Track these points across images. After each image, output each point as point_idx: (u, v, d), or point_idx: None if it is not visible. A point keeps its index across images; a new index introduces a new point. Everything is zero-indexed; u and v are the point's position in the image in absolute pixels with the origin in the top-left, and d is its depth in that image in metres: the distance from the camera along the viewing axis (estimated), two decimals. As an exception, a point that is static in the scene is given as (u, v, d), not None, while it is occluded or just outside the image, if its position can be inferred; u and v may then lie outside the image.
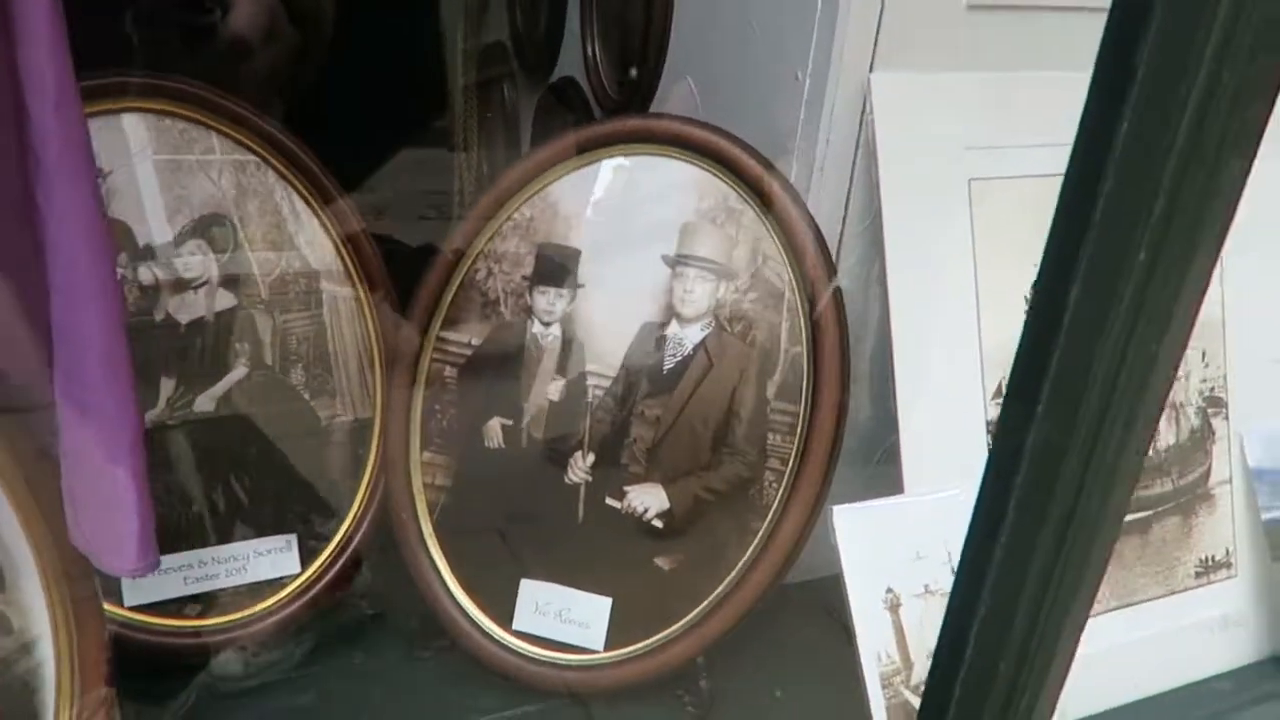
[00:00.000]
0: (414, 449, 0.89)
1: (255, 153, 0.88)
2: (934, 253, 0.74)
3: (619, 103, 0.99)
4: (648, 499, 0.83)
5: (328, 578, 0.94)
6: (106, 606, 0.85)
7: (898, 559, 0.76)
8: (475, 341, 0.87)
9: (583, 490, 0.85)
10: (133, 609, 0.86)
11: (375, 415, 0.94)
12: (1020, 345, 0.41)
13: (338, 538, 0.94)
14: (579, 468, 0.85)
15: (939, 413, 0.77)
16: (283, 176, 0.89)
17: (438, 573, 0.87)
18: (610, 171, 0.82)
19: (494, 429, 0.87)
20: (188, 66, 0.90)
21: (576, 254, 0.83)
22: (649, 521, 0.84)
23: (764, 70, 0.80)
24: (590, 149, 0.82)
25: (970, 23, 0.72)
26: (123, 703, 0.77)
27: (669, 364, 0.81)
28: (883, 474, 0.80)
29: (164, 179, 0.85)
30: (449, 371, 0.88)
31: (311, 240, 0.91)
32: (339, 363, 0.94)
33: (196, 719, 0.86)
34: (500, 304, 0.86)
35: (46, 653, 0.70)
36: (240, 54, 0.96)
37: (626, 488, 0.84)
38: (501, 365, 0.86)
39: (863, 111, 0.74)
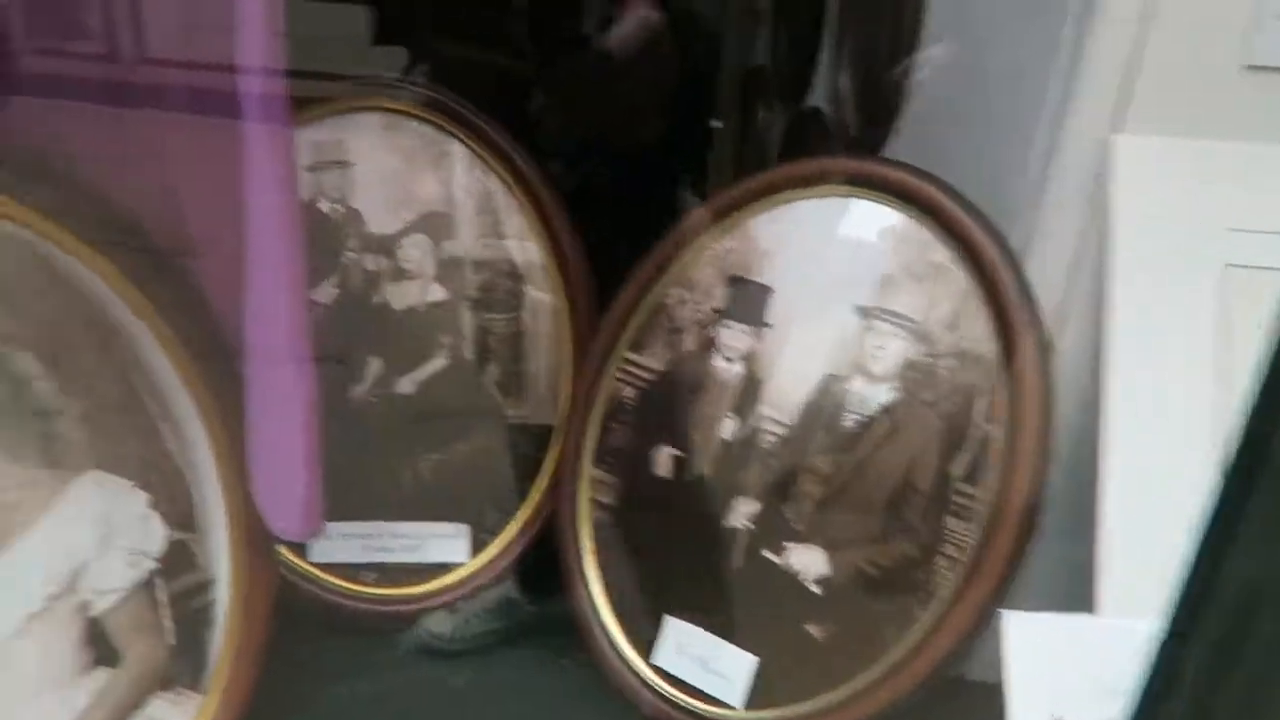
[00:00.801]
0: (586, 463, 0.89)
1: (484, 161, 0.92)
2: (1169, 346, 0.63)
3: (854, 141, 0.94)
4: (807, 560, 0.78)
5: (493, 572, 0.97)
6: (293, 559, 0.93)
7: (1073, 686, 0.66)
8: (658, 366, 0.86)
9: (742, 537, 0.81)
10: (314, 564, 0.93)
11: (557, 423, 0.95)
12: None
13: (507, 535, 0.97)
14: (741, 513, 0.81)
15: (1151, 527, 0.66)
16: (504, 184, 0.92)
17: (588, 590, 0.87)
18: (816, 211, 0.78)
19: (664, 458, 0.85)
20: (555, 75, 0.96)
21: (768, 292, 0.80)
22: (806, 584, 0.78)
23: (995, 121, 0.72)
24: (800, 186, 0.78)
25: (1247, 85, 0.61)
26: (289, 650, 0.84)
27: (848, 421, 0.76)
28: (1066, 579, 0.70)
29: (397, 175, 0.91)
30: (629, 393, 0.87)
31: (522, 245, 0.94)
32: (531, 366, 0.96)
33: (392, 667, 0.93)
34: (687, 333, 0.84)
35: (222, 594, 0.76)
36: (613, 70, 0.97)
37: (787, 544, 0.79)
38: (679, 395, 0.84)
39: (1101, 176, 0.64)
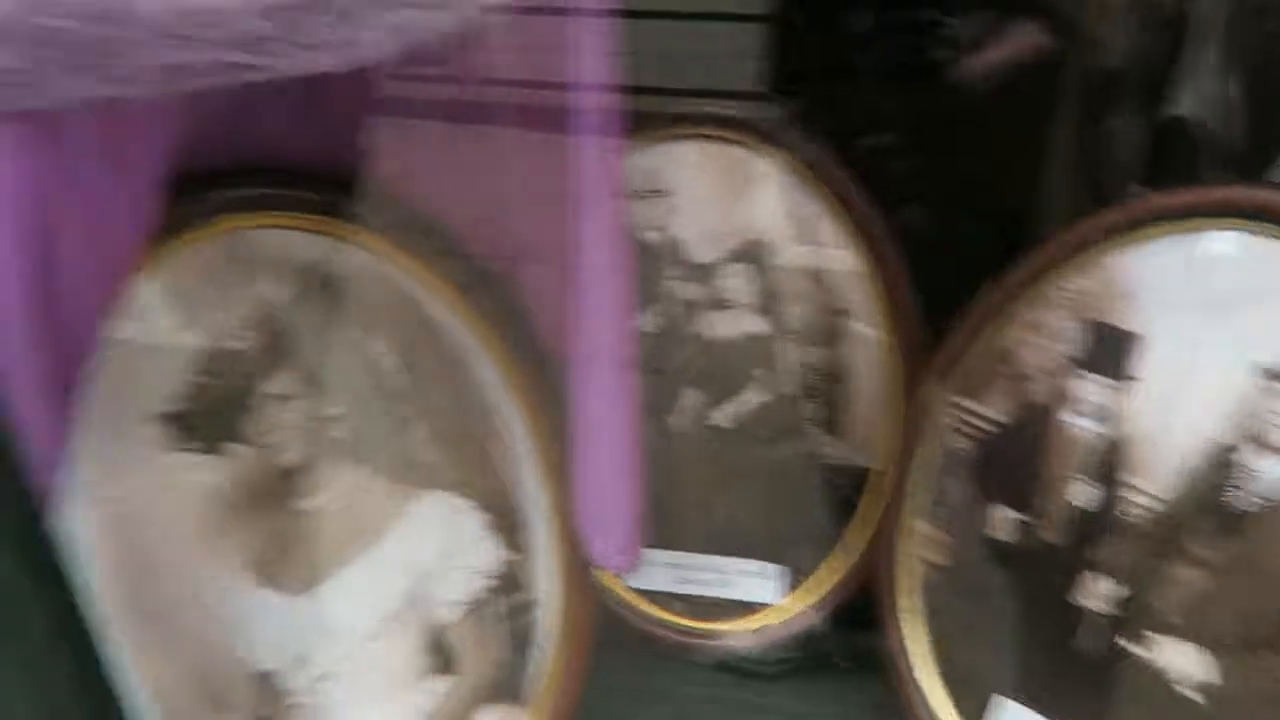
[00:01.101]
0: (910, 515, 0.83)
1: (810, 190, 0.88)
2: None
3: (1232, 161, 0.80)
4: (1181, 660, 0.67)
5: (804, 616, 0.93)
6: (607, 581, 0.95)
7: None
8: (997, 417, 0.77)
9: (1095, 620, 0.71)
10: (627, 589, 0.95)
11: (879, 468, 0.90)
12: None
13: (821, 579, 0.93)
14: (1095, 593, 0.71)
15: None
16: (830, 214, 0.88)
17: (905, 654, 0.80)
18: (1202, 248, 0.66)
19: (1003, 519, 0.77)
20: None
21: (1135, 340, 0.69)
22: (1178, 687, 0.67)
23: None
24: (1173, 217, 0.67)
25: None
26: (601, 672, 0.85)
27: (1238, 501, 0.63)
28: None
29: (718, 203, 0.90)
30: (963, 443, 0.79)
31: (847, 278, 0.89)
32: (853, 405, 0.91)
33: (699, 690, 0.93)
34: (1033, 381, 0.75)
35: (544, 615, 0.79)
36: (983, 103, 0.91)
37: (1152, 635, 0.68)
38: (1023, 452, 0.75)
39: None
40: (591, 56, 0.61)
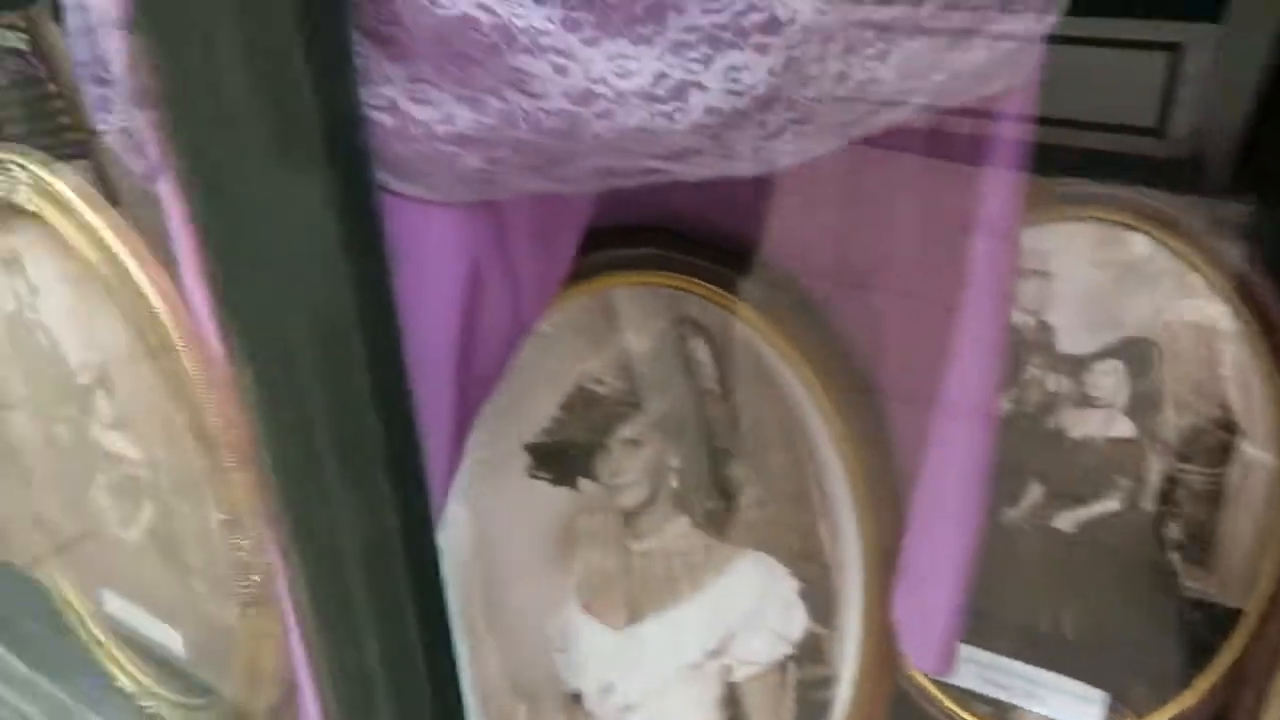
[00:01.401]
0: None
1: (1213, 291, 0.78)
2: None
3: None
4: None
5: (1123, 753, 0.84)
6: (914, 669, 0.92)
7: None
8: None
9: None
10: (930, 679, 0.91)
11: (1249, 609, 0.78)
12: None
13: None
14: None
15: None
16: (1237, 320, 0.77)
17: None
18: None
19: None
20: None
21: None
22: None
23: None
24: None
25: None
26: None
27: None
28: None
29: (1103, 293, 0.82)
30: (1366, 616, 0.67)
31: (1247, 394, 0.78)
32: (1227, 535, 0.80)
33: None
34: None
35: (842, 693, 0.78)
36: None
37: None
38: None
39: None
40: (1017, 87, 0.57)
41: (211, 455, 0.73)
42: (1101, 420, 0.86)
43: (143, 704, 0.95)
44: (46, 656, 1.04)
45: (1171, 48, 0.90)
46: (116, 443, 0.85)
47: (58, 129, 1.17)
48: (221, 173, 0.46)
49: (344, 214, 0.47)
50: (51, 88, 1.17)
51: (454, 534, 0.73)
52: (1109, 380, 0.85)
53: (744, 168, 0.48)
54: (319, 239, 0.47)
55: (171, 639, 0.90)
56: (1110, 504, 0.85)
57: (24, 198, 0.80)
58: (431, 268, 0.52)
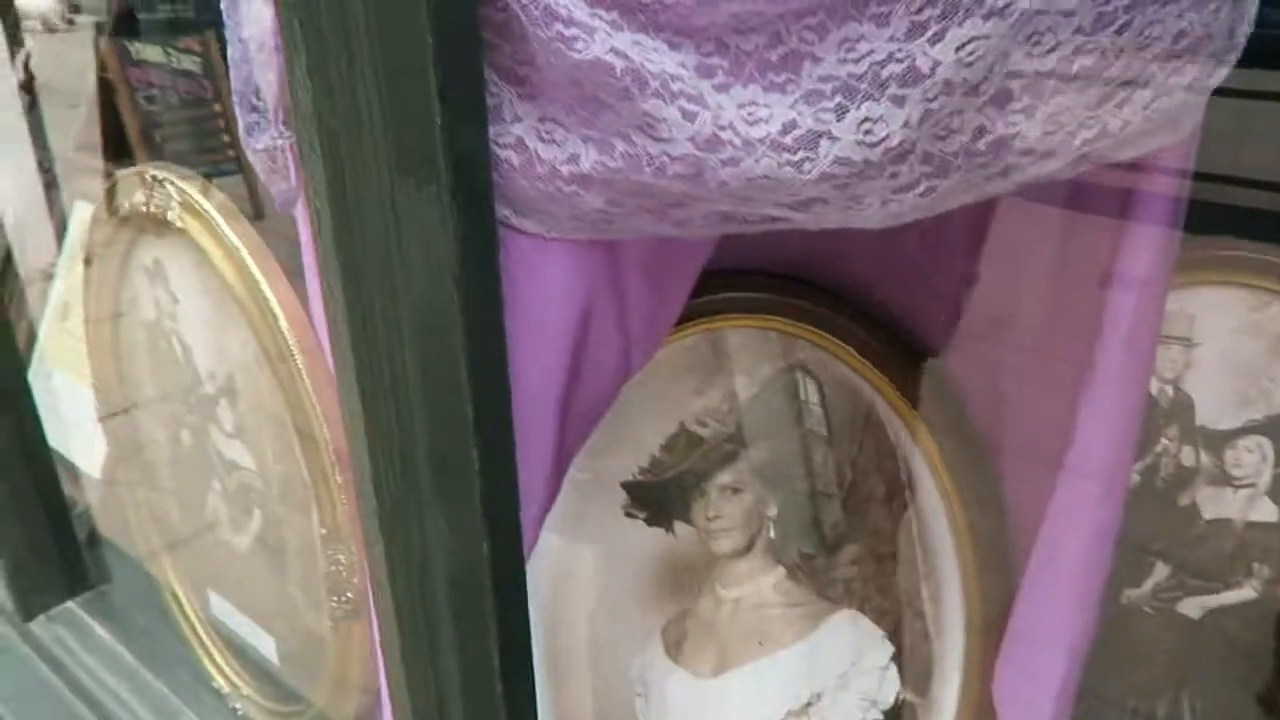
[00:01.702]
0: None
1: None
2: None
3: None
4: None
5: None
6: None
7: None
8: None
9: None
10: (1030, 760, 0.86)
11: (1402, 725, 0.71)
12: None
13: (1279, 831, 0.76)
14: None
15: None
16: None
17: None
18: None
19: None
20: None
21: None
22: None
23: None
24: None
25: None
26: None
27: None
28: None
29: (1252, 365, 0.76)
30: None
31: None
32: (1379, 640, 0.73)
33: None
34: None
35: (934, 770, 0.75)
36: None
37: None
38: None
39: None
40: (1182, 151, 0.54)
41: (319, 468, 0.75)
42: (1242, 501, 0.80)
43: (234, 705, 0.98)
44: (151, 650, 1.08)
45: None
46: (235, 450, 0.88)
47: (220, 146, 1.24)
48: (348, 195, 0.47)
49: (462, 245, 0.47)
50: (217, 108, 1.24)
51: (542, 565, 0.73)
52: (1252, 458, 0.79)
53: (872, 218, 0.47)
54: (435, 267, 0.48)
55: (267, 645, 0.93)
56: (1244, 593, 0.78)
57: (174, 215, 0.85)
58: (545, 302, 0.52)
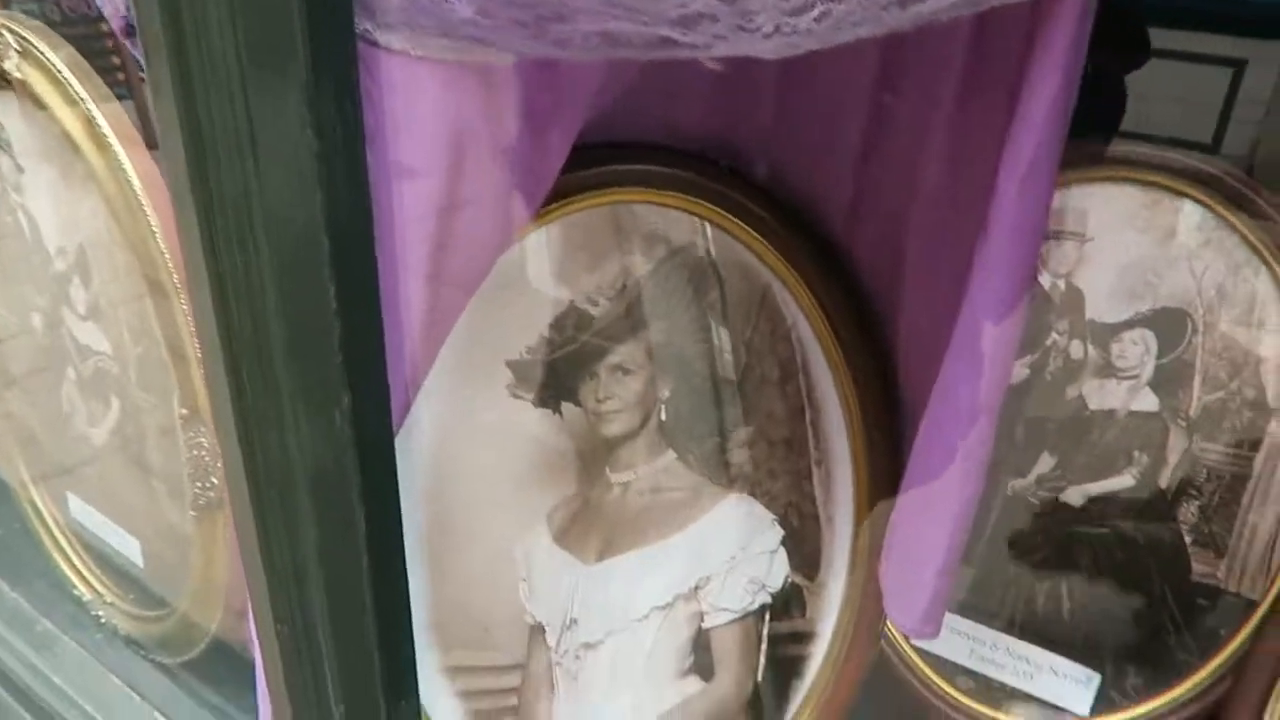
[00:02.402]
0: (1292, 674, 0.68)
1: (1260, 259, 0.73)
2: None
3: None
4: None
5: (1115, 742, 0.80)
6: (895, 634, 0.88)
7: None
8: None
9: None
10: (913, 647, 0.87)
11: (1266, 602, 0.74)
12: None
13: (1145, 708, 0.79)
14: None
15: None
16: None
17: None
18: None
19: None
20: None
21: None
22: None
23: None
24: None
25: None
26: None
27: None
28: None
29: (1140, 260, 0.77)
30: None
31: (1281, 371, 0.73)
32: (1246, 519, 0.75)
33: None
34: None
35: (818, 650, 0.74)
36: None
37: None
38: None
39: None
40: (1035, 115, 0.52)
41: (178, 347, 0.70)
42: (1125, 392, 0.81)
43: (97, 613, 0.92)
44: (5, 558, 1.01)
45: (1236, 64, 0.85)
46: (89, 334, 0.81)
47: (110, 68, 1.13)
48: (192, 62, 0.42)
49: (317, 111, 0.43)
50: (103, 26, 1.13)
51: (422, 446, 0.69)
52: (1137, 350, 0.80)
53: (766, 47, 0.44)
54: (289, 140, 0.43)
55: (131, 547, 0.87)
56: (1124, 480, 0.80)
57: (13, 65, 0.76)
58: (411, 130, 0.48)
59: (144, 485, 0.81)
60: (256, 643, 0.57)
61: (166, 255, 0.69)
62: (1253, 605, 0.75)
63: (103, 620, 0.92)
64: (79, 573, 0.94)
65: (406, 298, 0.57)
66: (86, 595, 0.93)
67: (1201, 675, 0.76)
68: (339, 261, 0.46)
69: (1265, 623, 0.71)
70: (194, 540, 0.76)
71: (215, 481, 0.71)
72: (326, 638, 0.56)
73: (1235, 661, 0.75)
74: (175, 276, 0.68)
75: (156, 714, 0.84)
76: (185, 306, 0.68)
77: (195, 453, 0.71)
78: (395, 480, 0.57)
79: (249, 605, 0.56)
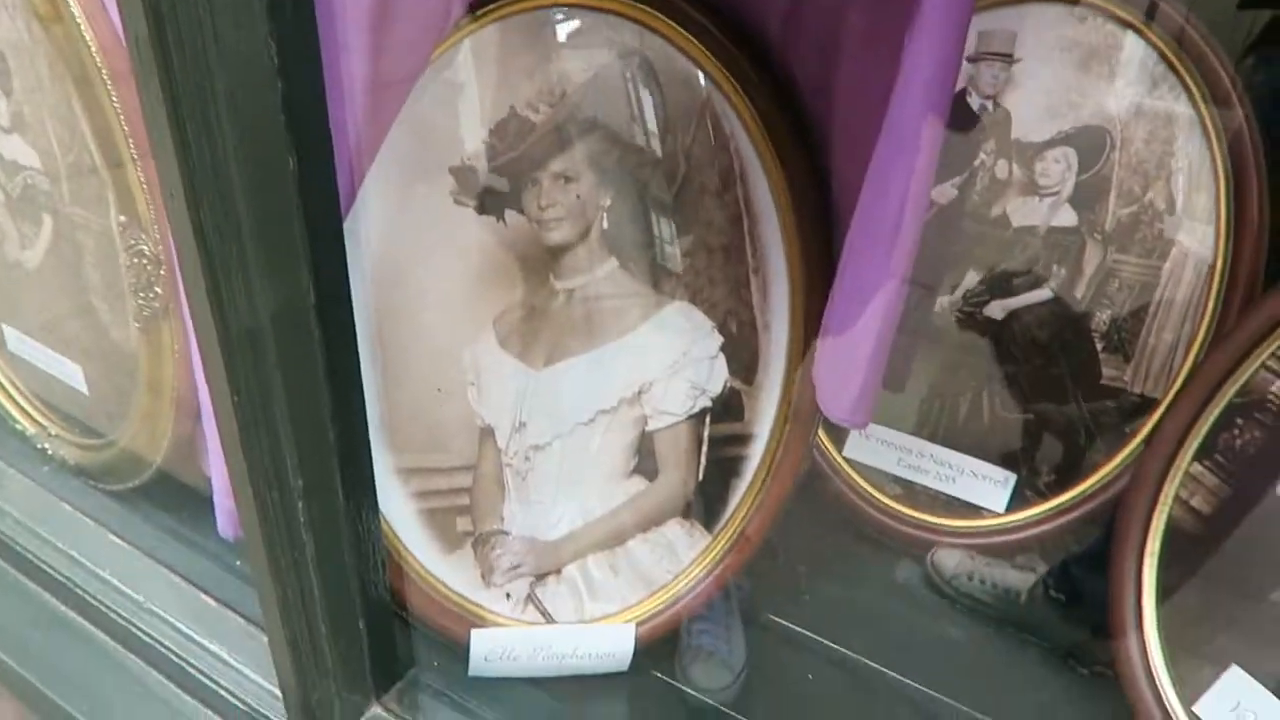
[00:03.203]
0: (1187, 452, 0.73)
1: (1176, 76, 0.76)
2: None
3: None
4: None
5: (1025, 535, 0.86)
6: (828, 445, 0.93)
7: None
8: (1333, 369, 0.65)
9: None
10: (846, 459, 0.92)
11: (1165, 400, 0.80)
12: None
13: (1056, 502, 0.85)
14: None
15: None
16: (1192, 110, 0.75)
17: (1137, 595, 0.73)
18: None
19: (1299, 482, 0.66)
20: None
21: None
22: None
23: None
24: None
25: None
26: (799, 527, 0.84)
27: None
28: None
29: (1064, 80, 0.79)
30: (1277, 387, 0.68)
31: (1191, 188, 0.77)
32: (1152, 326, 0.81)
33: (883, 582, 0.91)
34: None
35: (756, 451, 0.78)
36: None
37: None
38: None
39: None
40: None
41: (112, 151, 0.68)
42: (1046, 209, 0.85)
43: (42, 446, 0.92)
44: (-57, 398, 1.00)
45: None
46: (14, 148, 0.78)
47: None
48: None
49: None
50: None
51: (370, 254, 0.70)
52: (1059, 167, 0.83)
53: None
54: None
55: (73, 374, 0.87)
56: (1043, 293, 0.85)
57: None
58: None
59: (84, 306, 0.80)
60: (215, 436, 0.58)
61: (92, 45, 0.67)
62: (1155, 404, 0.81)
63: (49, 452, 0.92)
64: (21, 408, 0.94)
65: (349, 83, 0.57)
66: (30, 429, 0.93)
67: (1107, 470, 0.83)
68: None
69: (1164, 418, 0.77)
70: (140, 355, 0.76)
71: (159, 291, 0.71)
72: (282, 415, 0.58)
73: (1138, 456, 0.81)
74: (103, 70, 0.66)
75: (111, 537, 0.85)
76: (116, 102, 0.66)
77: (136, 261, 0.70)
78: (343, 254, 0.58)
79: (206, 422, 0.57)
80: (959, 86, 0.82)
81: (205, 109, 0.45)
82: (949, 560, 0.87)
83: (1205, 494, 0.71)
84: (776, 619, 0.86)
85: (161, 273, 0.70)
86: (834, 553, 0.92)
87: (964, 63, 0.82)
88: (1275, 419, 0.68)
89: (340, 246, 0.58)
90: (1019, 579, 0.85)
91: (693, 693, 0.78)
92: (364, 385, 0.64)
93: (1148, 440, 0.78)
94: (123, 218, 0.70)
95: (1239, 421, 0.70)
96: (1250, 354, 0.70)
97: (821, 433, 0.91)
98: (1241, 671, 0.67)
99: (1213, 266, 0.77)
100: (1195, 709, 0.69)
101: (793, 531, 0.82)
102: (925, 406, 0.89)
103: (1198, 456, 0.72)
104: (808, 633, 0.85)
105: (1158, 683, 0.71)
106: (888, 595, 0.89)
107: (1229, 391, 0.71)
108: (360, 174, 0.62)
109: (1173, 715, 0.70)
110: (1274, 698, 0.66)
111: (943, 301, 0.87)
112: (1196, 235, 0.78)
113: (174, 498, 0.87)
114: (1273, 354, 0.69)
